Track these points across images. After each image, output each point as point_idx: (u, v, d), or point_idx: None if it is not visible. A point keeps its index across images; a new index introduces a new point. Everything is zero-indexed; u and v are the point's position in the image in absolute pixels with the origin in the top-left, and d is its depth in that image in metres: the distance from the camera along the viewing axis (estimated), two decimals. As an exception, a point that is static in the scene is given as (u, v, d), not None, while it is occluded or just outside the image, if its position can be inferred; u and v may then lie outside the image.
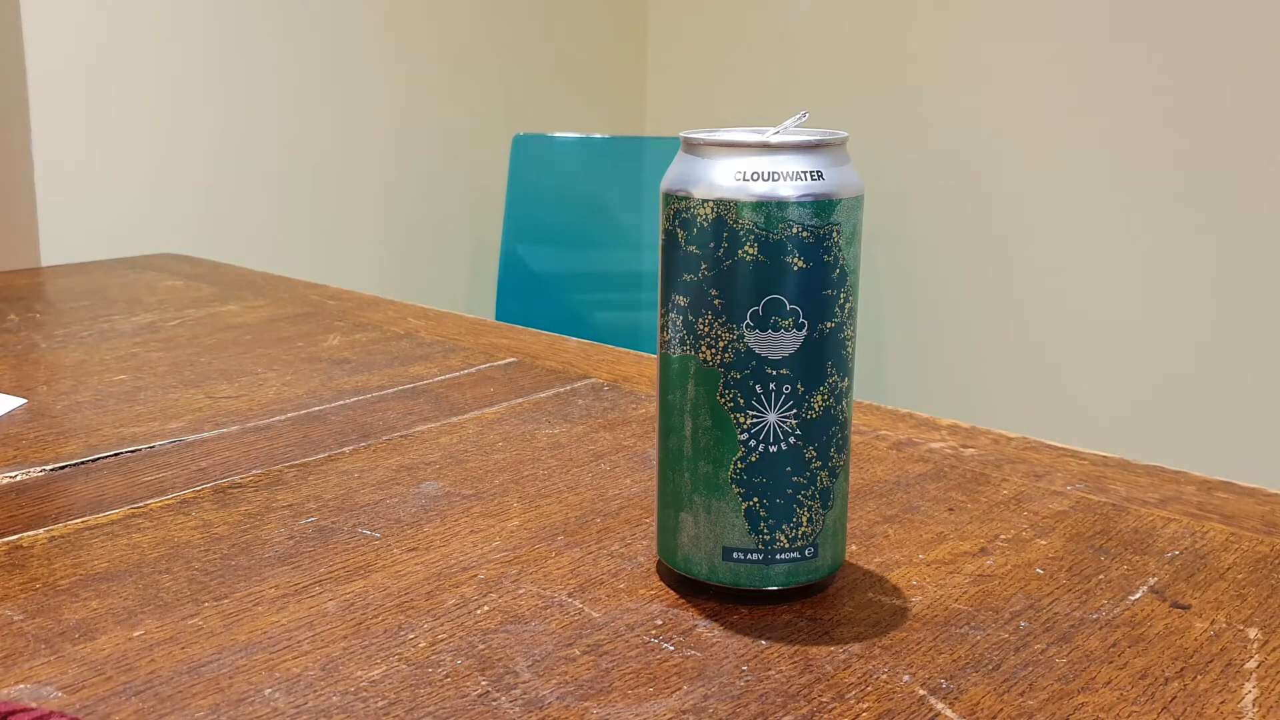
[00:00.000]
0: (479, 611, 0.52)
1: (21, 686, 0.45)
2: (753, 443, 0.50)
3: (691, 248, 0.50)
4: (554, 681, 0.46)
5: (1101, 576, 0.56)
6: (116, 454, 0.71)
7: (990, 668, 0.48)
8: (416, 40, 2.15)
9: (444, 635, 0.50)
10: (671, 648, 0.49)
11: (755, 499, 0.51)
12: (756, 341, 0.50)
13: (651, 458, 0.71)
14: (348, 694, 0.45)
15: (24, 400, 0.81)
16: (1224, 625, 0.51)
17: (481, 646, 0.49)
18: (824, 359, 0.50)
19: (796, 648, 0.49)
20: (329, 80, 2.03)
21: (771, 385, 0.50)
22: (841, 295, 0.50)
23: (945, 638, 0.50)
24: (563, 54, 2.40)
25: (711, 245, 0.49)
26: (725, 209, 0.49)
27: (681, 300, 0.51)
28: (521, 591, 0.54)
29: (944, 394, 2.23)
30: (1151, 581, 0.56)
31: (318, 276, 1.38)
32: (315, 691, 0.45)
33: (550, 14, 2.37)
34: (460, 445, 0.73)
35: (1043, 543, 0.60)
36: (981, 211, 2.14)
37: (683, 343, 0.51)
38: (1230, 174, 1.86)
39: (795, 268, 0.49)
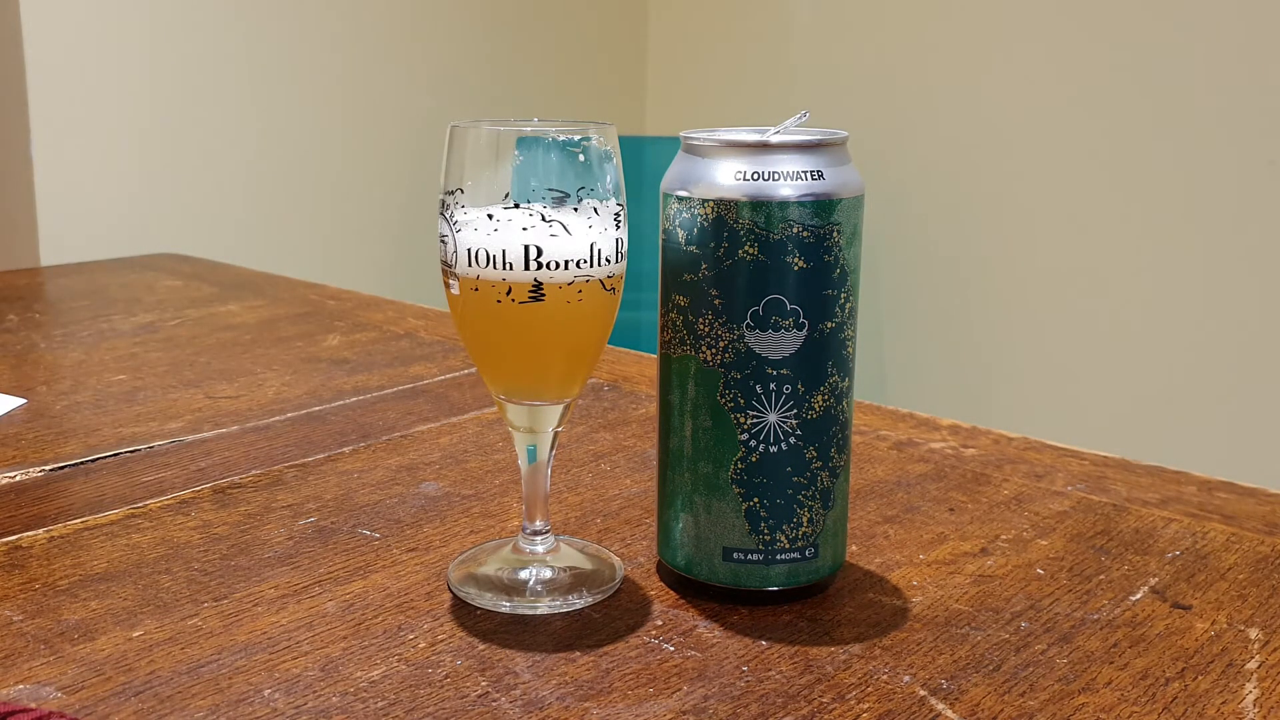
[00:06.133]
0: (479, 611, 0.52)
1: (21, 686, 0.45)
2: (753, 443, 0.50)
3: (691, 248, 0.50)
4: (554, 682, 0.46)
5: (1102, 577, 0.56)
6: (116, 454, 0.71)
7: (991, 668, 0.48)
8: (417, 41, 2.15)
9: (444, 635, 0.50)
10: (672, 648, 0.49)
11: (755, 499, 0.51)
12: (757, 341, 0.50)
13: (651, 458, 0.71)
14: (347, 694, 0.45)
15: (23, 400, 0.81)
16: (1225, 626, 0.51)
17: (481, 646, 0.49)
18: (824, 359, 0.50)
19: (797, 648, 0.49)
20: (329, 80, 2.03)
21: (772, 385, 0.50)
22: (842, 295, 0.50)
23: (946, 638, 0.50)
24: (563, 54, 2.40)
25: (711, 245, 0.49)
26: (725, 209, 0.49)
27: (681, 300, 0.51)
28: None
29: (944, 394, 2.23)
30: (1152, 582, 0.56)
31: (318, 276, 1.38)
32: (315, 692, 0.45)
33: (550, 14, 2.36)
34: (460, 445, 0.73)
35: (1043, 543, 0.60)
36: (982, 211, 2.14)
37: (683, 343, 0.51)
38: (1230, 174, 1.86)
39: (795, 268, 0.49)
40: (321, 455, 0.71)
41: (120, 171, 1.78)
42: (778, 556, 0.51)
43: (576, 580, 0.54)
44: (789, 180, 0.49)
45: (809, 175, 0.49)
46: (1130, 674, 0.47)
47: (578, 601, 0.52)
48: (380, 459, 0.70)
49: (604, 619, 0.51)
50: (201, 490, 0.65)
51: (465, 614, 0.51)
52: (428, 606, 0.52)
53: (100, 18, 1.73)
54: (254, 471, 0.68)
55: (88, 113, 1.74)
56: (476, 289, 0.50)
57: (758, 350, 0.50)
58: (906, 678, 0.47)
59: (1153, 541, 0.60)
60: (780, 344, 0.50)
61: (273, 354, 0.94)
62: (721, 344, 0.50)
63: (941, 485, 0.68)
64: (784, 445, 0.51)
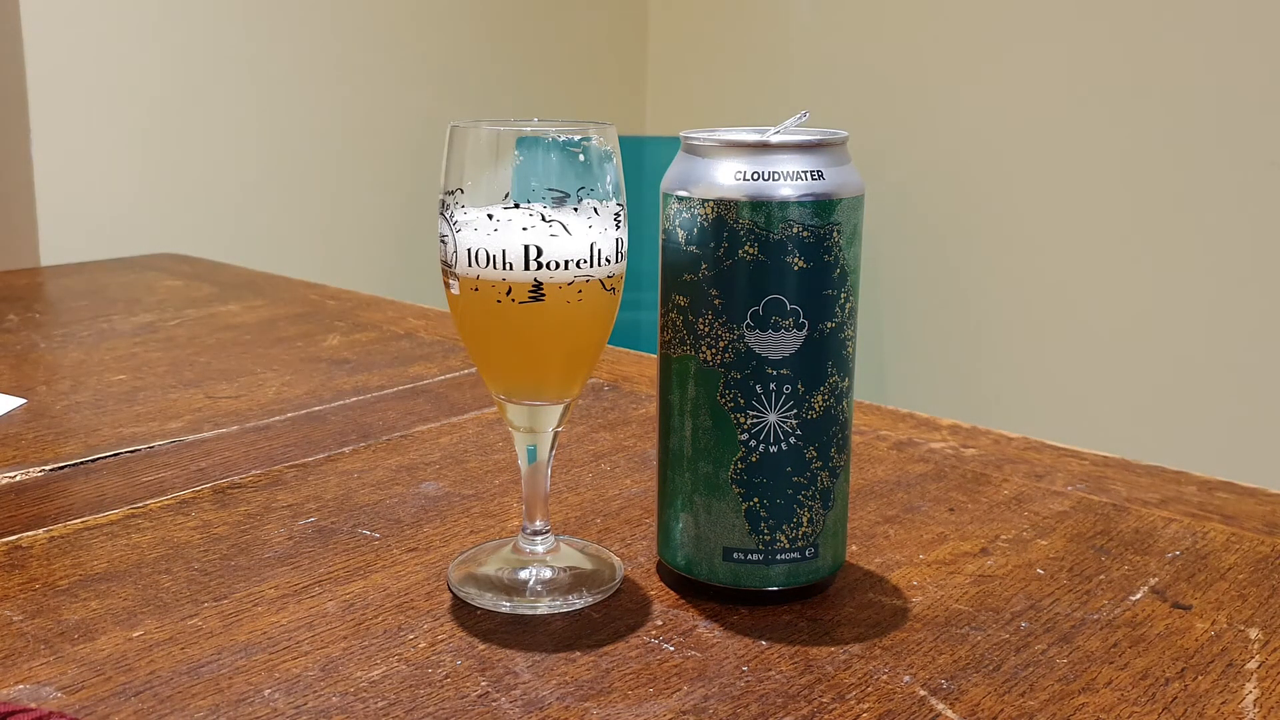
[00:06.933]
0: (479, 611, 0.52)
1: (21, 686, 0.45)
2: (753, 443, 0.50)
3: (691, 248, 0.50)
4: (554, 682, 0.46)
5: (1102, 577, 0.56)
6: (116, 454, 0.71)
7: (991, 668, 0.48)
8: (417, 41, 2.15)
9: (444, 635, 0.50)
10: (672, 648, 0.49)
11: (755, 499, 0.51)
12: (757, 341, 0.50)
13: (651, 458, 0.71)
14: (348, 694, 0.45)
15: (24, 400, 0.81)
16: (1225, 626, 0.51)
17: (481, 646, 0.49)
18: (824, 359, 0.50)
19: (797, 648, 0.49)
20: (329, 80, 2.03)
21: (772, 385, 0.50)
22: (842, 295, 0.50)
23: (946, 638, 0.50)
24: (563, 54, 2.40)
25: (711, 245, 0.49)
26: (725, 209, 0.49)
27: (681, 300, 0.51)
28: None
29: (944, 394, 2.23)
30: (1152, 582, 0.56)
31: (318, 276, 1.38)
32: (315, 692, 0.45)
33: (550, 14, 2.36)
34: (460, 445, 0.73)
35: (1043, 543, 0.60)
36: (982, 211, 2.14)
37: (683, 343, 0.51)
38: (1230, 174, 1.86)
39: (795, 268, 0.49)
40: (321, 455, 0.71)
41: (120, 171, 1.78)
42: (778, 556, 0.51)
43: (576, 580, 0.54)
44: (789, 180, 0.49)
45: (809, 175, 0.49)
46: (1130, 674, 0.47)
47: (578, 601, 0.52)
48: (380, 459, 0.71)
49: (604, 619, 0.51)
50: (201, 490, 0.65)
51: (465, 614, 0.51)
52: (428, 606, 0.52)
53: (100, 18, 1.73)
54: (254, 471, 0.68)
55: (88, 113, 1.74)
56: (476, 289, 0.50)
57: (758, 350, 0.50)
58: (906, 678, 0.47)
59: (1153, 541, 0.60)
60: (780, 344, 0.50)
61: (273, 354, 0.94)
62: (721, 344, 0.50)
63: (941, 485, 0.68)
64: (784, 445, 0.51)
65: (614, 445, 0.74)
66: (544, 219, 0.48)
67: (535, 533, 0.55)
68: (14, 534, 0.59)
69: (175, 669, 0.47)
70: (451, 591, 0.53)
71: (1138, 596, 0.54)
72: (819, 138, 0.50)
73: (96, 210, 1.76)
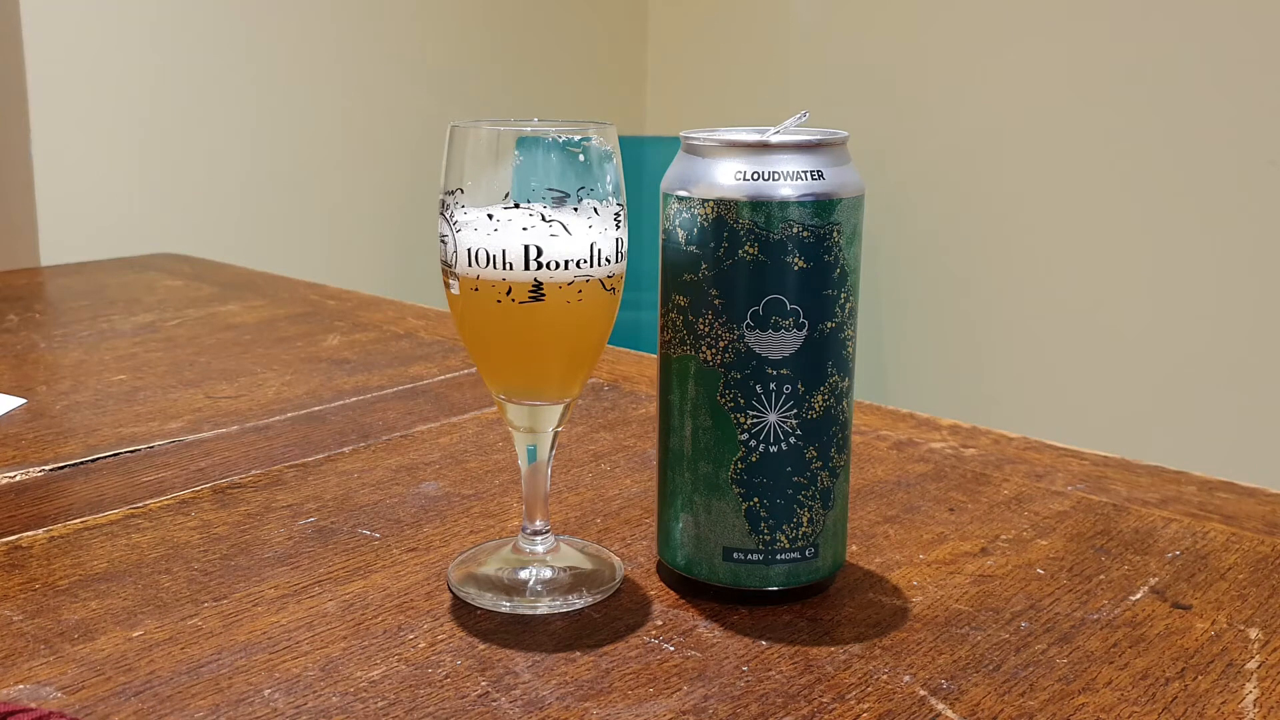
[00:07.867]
0: (479, 611, 0.52)
1: (21, 686, 0.45)
2: (753, 443, 0.50)
3: (691, 248, 0.50)
4: (554, 682, 0.46)
5: (1102, 577, 0.56)
6: (116, 454, 0.71)
7: (991, 668, 0.48)
8: (417, 41, 2.15)
9: (444, 635, 0.50)
10: (672, 648, 0.49)
11: (755, 499, 0.51)
12: (757, 341, 0.50)
13: (651, 458, 0.71)
14: (348, 694, 0.45)
15: (23, 400, 0.81)
16: (1225, 625, 0.51)
17: (481, 646, 0.49)
18: (824, 359, 0.50)
19: (797, 648, 0.49)
20: (329, 80, 2.03)
21: (772, 385, 0.50)
22: (842, 295, 0.50)
23: (946, 638, 0.50)
24: (563, 54, 2.40)
25: (711, 245, 0.49)
26: (725, 209, 0.49)
27: (681, 300, 0.51)
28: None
29: (944, 394, 2.23)
30: (1152, 582, 0.56)
31: (318, 276, 1.38)
32: (315, 692, 0.45)
33: (550, 14, 2.36)
34: (460, 445, 0.73)
35: (1043, 543, 0.60)
36: (982, 211, 2.14)
37: (683, 343, 0.51)
38: (1230, 174, 1.86)
39: (795, 268, 0.49)
40: (321, 455, 0.71)
41: (120, 171, 1.78)
42: (778, 556, 0.51)
43: (576, 580, 0.54)
44: (789, 180, 0.49)
45: (809, 175, 0.49)
46: (1130, 674, 0.47)
47: (578, 601, 0.52)
48: (380, 459, 0.70)
49: (604, 619, 0.51)
50: (201, 490, 0.65)
51: (465, 614, 0.51)
52: (428, 606, 0.52)
53: (100, 18, 1.73)
54: (254, 471, 0.68)
55: (88, 113, 1.73)
56: (476, 289, 0.50)
57: (758, 350, 0.50)
58: (906, 678, 0.47)
59: (1153, 541, 0.60)
60: (780, 344, 0.50)
61: (273, 354, 0.94)
62: (721, 344, 0.50)
63: (941, 485, 0.68)
64: (784, 445, 0.50)
65: (614, 445, 0.74)
66: (544, 219, 0.48)
67: (535, 533, 0.55)
68: (14, 534, 0.59)
69: (175, 669, 0.47)
70: (451, 591, 0.53)
71: (1138, 596, 0.54)
72: (819, 138, 0.50)
73: (96, 210, 1.76)
